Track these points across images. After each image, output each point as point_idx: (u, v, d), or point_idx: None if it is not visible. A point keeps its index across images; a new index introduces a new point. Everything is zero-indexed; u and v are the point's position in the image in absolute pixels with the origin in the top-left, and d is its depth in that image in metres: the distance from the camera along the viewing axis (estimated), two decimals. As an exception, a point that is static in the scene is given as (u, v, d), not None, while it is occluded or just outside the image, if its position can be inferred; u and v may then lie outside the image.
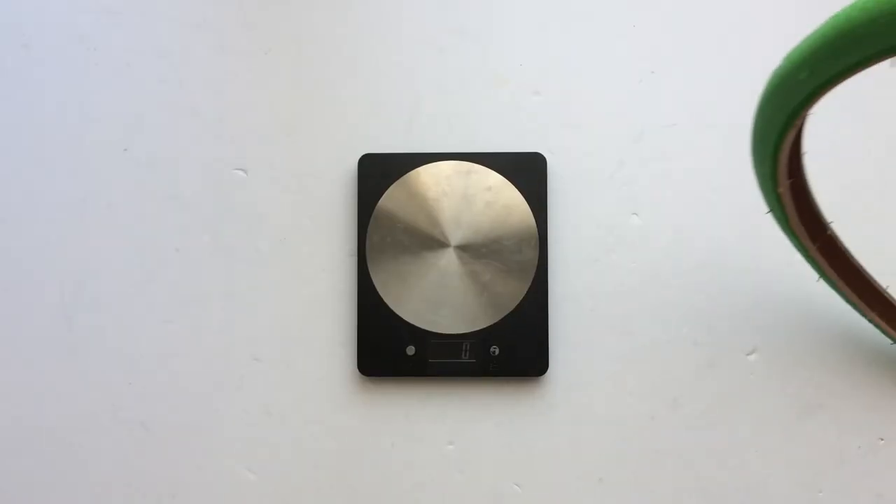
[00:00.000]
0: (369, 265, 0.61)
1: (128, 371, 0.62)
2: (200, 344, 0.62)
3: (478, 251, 0.60)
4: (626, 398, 0.61)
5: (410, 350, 0.60)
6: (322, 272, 0.62)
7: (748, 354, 0.61)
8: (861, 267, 0.53)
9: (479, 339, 0.60)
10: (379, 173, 0.61)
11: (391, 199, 0.61)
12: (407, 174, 0.61)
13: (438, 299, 0.60)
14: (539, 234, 0.60)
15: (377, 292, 0.60)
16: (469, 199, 0.61)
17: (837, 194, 0.62)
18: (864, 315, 0.56)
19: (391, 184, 0.61)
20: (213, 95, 0.64)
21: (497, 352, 0.60)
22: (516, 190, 0.61)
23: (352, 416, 0.61)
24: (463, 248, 0.60)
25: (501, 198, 0.61)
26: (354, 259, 0.62)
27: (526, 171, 0.61)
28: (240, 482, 0.61)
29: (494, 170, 0.61)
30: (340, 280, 0.62)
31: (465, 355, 0.60)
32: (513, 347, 0.60)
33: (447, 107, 0.63)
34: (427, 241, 0.61)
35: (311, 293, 0.62)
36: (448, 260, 0.60)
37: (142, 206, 0.63)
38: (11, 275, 0.62)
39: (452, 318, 0.60)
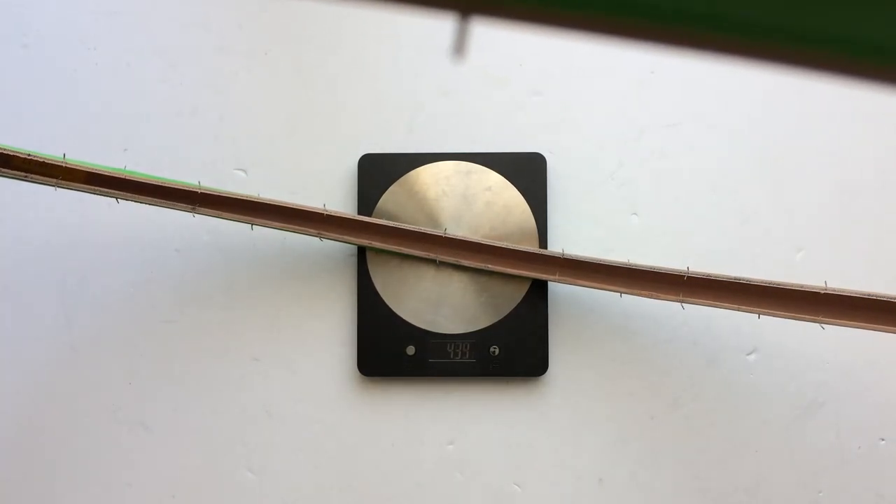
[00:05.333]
0: (369, 265, 0.61)
1: (128, 371, 0.62)
2: (200, 344, 0.62)
3: (478, 251, 0.60)
4: (626, 398, 0.61)
5: (410, 350, 0.60)
6: (322, 272, 0.62)
7: (748, 354, 0.61)
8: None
9: (479, 339, 0.60)
10: (379, 173, 0.61)
11: (391, 199, 0.61)
12: (407, 174, 0.61)
13: (438, 299, 0.60)
14: (539, 233, 0.60)
15: (377, 292, 0.60)
16: (469, 199, 0.61)
17: (837, 195, 0.62)
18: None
19: (391, 184, 0.61)
20: (213, 95, 0.64)
21: (497, 352, 0.60)
22: (516, 190, 0.61)
23: (352, 416, 0.61)
24: (463, 248, 0.60)
25: (501, 198, 0.61)
26: (354, 259, 0.62)
27: (526, 171, 0.61)
28: (240, 482, 0.61)
29: (494, 170, 0.61)
30: (340, 280, 0.62)
31: (466, 355, 0.60)
32: (513, 347, 0.60)
33: (447, 107, 0.63)
34: (427, 241, 0.61)
35: (311, 293, 0.62)
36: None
37: (142, 206, 0.63)
38: (11, 275, 0.62)
39: (452, 318, 0.60)
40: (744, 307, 0.53)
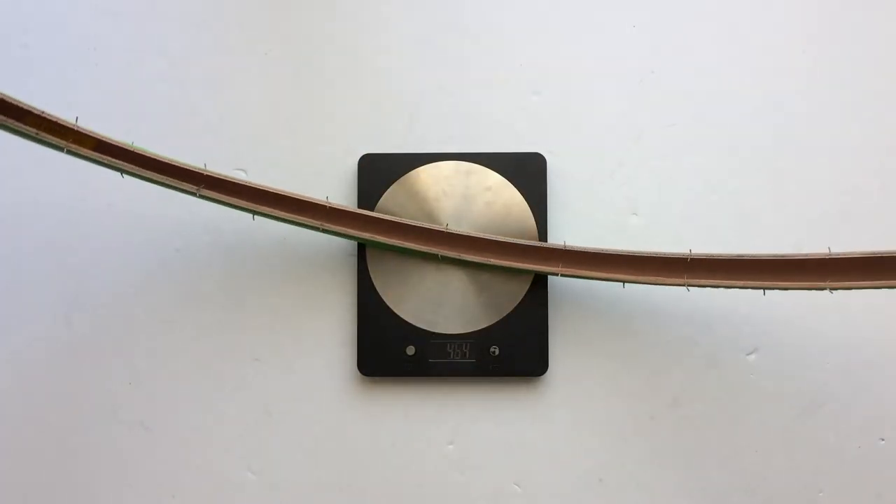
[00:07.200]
0: (369, 265, 0.61)
1: (128, 371, 0.62)
2: (200, 344, 0.62)
3: (478, 251, 0.60)
4: (626, 398, 0.61)
5: (410, 350, 0.60)
6: (322, 272, 0.62)
7: (748, 354, 0.61)
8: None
9: (479, 339, 0.60)
10: (379, 173, 0.61)
11: (391, 199, 0.61)
12: (407, 174, 0.61)
13: (438, 299, 0.60)
14: (539, 234, 0.60)
15: (377, 292, 0.60)
16: (469, 199, 0.61)
17: (837, 195, 0.62)
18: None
19: (391, 184, 0.61)
20: (213, 95, 0.64)
21: (497, 352, 0.60)
22: (516, 190, 0.61)
23: (352, 416, 0.61)
24: (463, 248, 0.60)
25: (501, 198, 0.61)
26: (354, 259, 0.62)
27: (526, 171, 0.61)
28: (240, 482, 0.61)
29: (494, 170, 0.61)
30: (340, 280, 0.62)
31: (465, 355, 0.60)
32: (513, 347, 0.60)
33: (447, 107, 0.63)
34: (427, 241, 0.61)
35: (311, 293, 0.62)
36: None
37: (142, 205, 0.63)
38: (11, 275, 0.62)
39: (452, 318, 0.60)
40: (749, 283, 0.52)
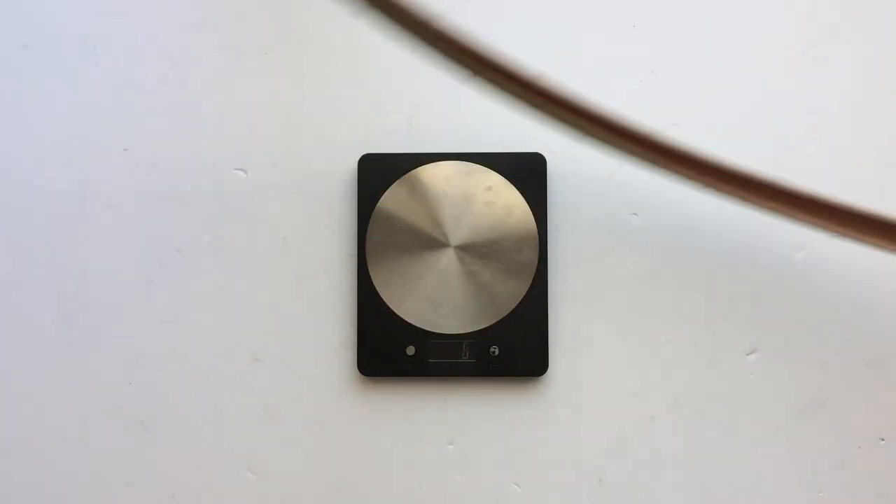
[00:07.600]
0: (369, 265, 0.61)
1: (128, 371, 0.62)
2: (200, 344, 0.62)
3: (478, 251, 0.60)
4: (626, 398, 0.61)
5: (410, 350, 0.60)
6: (322, 272, 0.62)
7: (748, 354, 0.61)
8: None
9: (479, 339, 0.60)
10: (379, 173, 0.61)
11: (391, 199, 0.61)
12: (407, 174, 0.61)
13: (438, 299, 0.60)
14: (539, 234, 0.60)
15: (377, 292, 0.60)
16: (469, 199, 0.61)
17: (837, 195, 0.62)
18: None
19: (391, 184, 0.61)
20: (213, 95, 0.64)
21: (497, 352, 0.60)
22: (516, 190, 0.61)
23: (352, 416, 0.61)
24: (463, 249, 0.60)
25: (501, 198, 0.61)
26: (354, 259, 0.62)
27: (526, 171, 0.61)
28: (240, 482, 0.61)
29: (494, 170, 0.61)
30: (340, 280, 0.62)
31: (465, 355, 0.60)
32: (513, 347, 0.60)
33: (447, 107, 0.63)
34: (427, 241, 0.61)
35: (311, 293, 0.62)
36: (448, 260, 0.60)
37: (142, 206, 0.63)
38: (11, 275, 0.62)
39: (452, 318, 0.60)
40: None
